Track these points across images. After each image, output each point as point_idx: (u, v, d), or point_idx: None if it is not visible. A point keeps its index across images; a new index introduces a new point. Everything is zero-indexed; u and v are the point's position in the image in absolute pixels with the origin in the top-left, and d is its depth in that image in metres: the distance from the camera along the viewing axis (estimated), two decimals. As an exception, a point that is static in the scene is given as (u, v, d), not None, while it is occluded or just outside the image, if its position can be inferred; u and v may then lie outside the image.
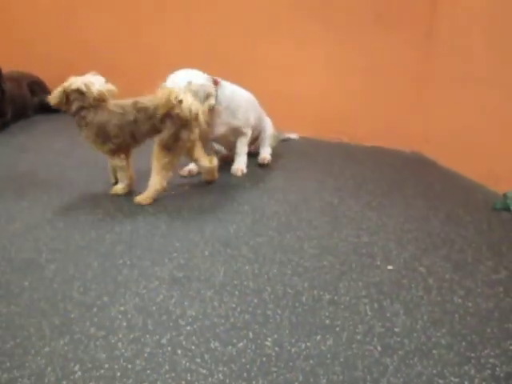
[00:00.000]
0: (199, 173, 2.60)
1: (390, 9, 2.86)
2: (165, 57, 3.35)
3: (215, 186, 2.47)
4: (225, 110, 2.57)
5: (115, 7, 3.71)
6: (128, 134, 2.25)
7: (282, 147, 3.09)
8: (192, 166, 2.64)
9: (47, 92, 3.96)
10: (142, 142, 2.32)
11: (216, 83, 2.51)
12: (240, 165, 2.72)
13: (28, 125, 3.59)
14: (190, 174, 2.63)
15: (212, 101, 2.43)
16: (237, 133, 2.69)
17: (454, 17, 2.64)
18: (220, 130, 2.62)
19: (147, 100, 2.21)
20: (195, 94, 2.29)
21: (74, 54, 3.98)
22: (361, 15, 2.94)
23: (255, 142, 2.94)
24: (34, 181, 2.48)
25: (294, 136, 3.27)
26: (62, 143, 3.16)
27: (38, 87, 3.91)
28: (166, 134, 2.18)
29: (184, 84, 2.31)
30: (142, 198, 2.24)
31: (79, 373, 1.25)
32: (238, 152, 2.74)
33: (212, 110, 2.46)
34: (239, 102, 2.62)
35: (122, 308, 1.51)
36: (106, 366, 1.27)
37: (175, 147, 2.20)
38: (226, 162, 2.82)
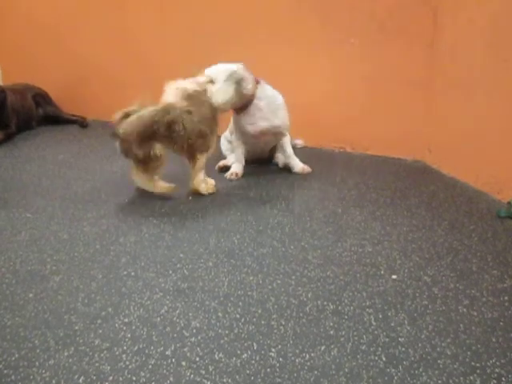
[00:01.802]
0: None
1: (393, 17, 2.87)
2: (166, 65, 3.37)
3: (218, 196, 2.47)
4: (266, 107, 2.66)
5: (116, 19, 3.74)
6: None
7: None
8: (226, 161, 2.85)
9: (51, 104, 4.01)
10: None
11: (257, 82, 2.65)
12: (301, 164, 2.82)
13: (32, 136, 3.62)
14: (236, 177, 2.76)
15: (248, 85, 2.57)
16: (277, 133, 2.74)
17: (456, 25, 2.65)
18: (262, 124, 2.68)
19: None
20: (230, 79, 2.48)
21: (76, 67, 4.02)
22: (364, 23, 2.95)
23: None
24: (38, 192, 2.50)
25: (299, 142, 3.27)
26: (65, 154, 3.18)
27: (42, 99, 3.95)
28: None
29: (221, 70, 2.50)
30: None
31: (84, 385, 1.25)
32: (288, 154, 2.82)
33: (249, 105, 2.62)
34: (280, 102, 2.73)
35: (126, 319, 1.51)
36: (111, 378, 1.28)
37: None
38: (222, 170, 2.83)
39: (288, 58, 3.20)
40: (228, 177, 2.73)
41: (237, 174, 2.75)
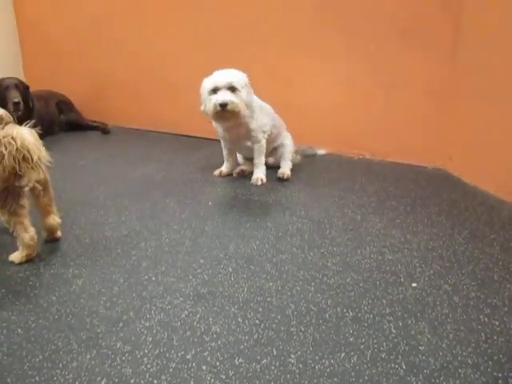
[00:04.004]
0: (251, 173, 2.84)
1: (413, 25, 2.87)
2: (177, 69, 3.41)
3: (238, 203, 2.49)
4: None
5: (136, 34, 3.80)
6: None
7: (304, 163, 3.10)
8: (243, 166, 2.91)
9: (74, 110, 4.08)
10: None
11: None
12: (259, 174, 2.79)
13: (55, 141, 3.68)
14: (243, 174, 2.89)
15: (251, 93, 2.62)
16: (251, 137, 2.74)
17: (477, 34, 2.64)
18: (238, 129, 2.71)
19: None
20: (247, 86, 2.56)
21: (98, 76, 4.10)
22: (384, 30, 2.95)
23: (273, 154, 2.97)
24: (60, 196, 2.52)
25: (321, 152, 3.28)
26: (87, 160, 3.23)
27: (65, 106, 4.03)
28: None
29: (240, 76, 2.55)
30: None
31: (106, 387, 1.27)
32: (255, 162, 2.82)
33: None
34: (256, 105, 2.72)
35: (147, 323, 1.53)
36: (132, 381, 1.29)
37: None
38: (244, 176, 2.86)
39: (308, 64, 3.22)
40: (214, 173, 2.90)
41: (221, 172, 2.91)
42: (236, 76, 2.54)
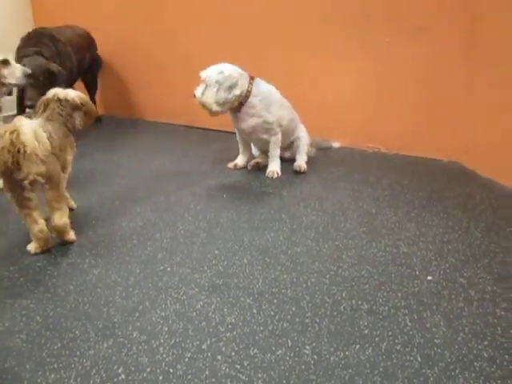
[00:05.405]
0: (265, 166, 2.83)
1: (430, 18, 2.84)
2: (200, 66, 3.42)
3: (252, 195, 2.49)
4: (259, 103, 2.67)
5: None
6: None
7: (319, 156, 3.09)
8: (258, 159, 2.92)
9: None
10: None
11: (252, 79, 2.66)
12: (274, 167, 2.79)
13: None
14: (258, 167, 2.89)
15: (236, 92, 2.58)
16: (268, 130, 2.74)
17: (495, 26, 2.60)
18: (252, 122, 2.70)
19: None
20: (221, 83, 2.54)
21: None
22: (400, 23, 2.92)
23: (290, 148, 2.97)
24: (75, 188, 2.53)
25: (336, 144, 3.27)
26: (102, 151, 3.27)
27: None
28: None
29: (216, 72, 2.55)
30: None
31: (123, 375, 1.29)
32: (270, 155, 2.82)
33: (244, 102, 2.64)
34: (274, 98, 2.74)
35: (162, 313, 1.54)
36: (148, 369, 1.31)
37: None
38: (259, 169, 2.86)
39: (324, 60, 3.20)
40: (229, 165, 2.91)
41: (236, 165, 2.90)
42: (212, 72, 2.56)
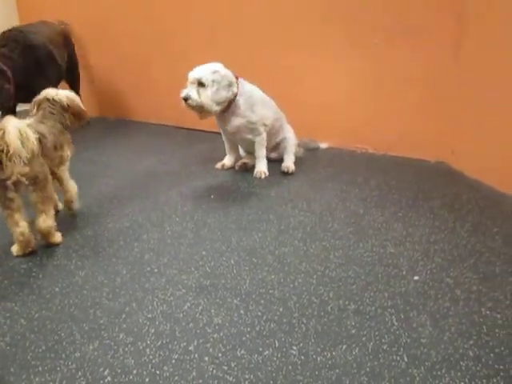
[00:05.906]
0: (253, 166, 2.83)
1: (417, 19, 2.85)
2: (180, 63, 3.40)
3: (240, 196, 2.49)
4: (244, 103, 2.66)
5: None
6: None
7: (307, 156, 3.10)
8: (245, 160, 2.92)
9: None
10: None
11: (236, 78, 2.65)
12: (261, 168, 2.79)
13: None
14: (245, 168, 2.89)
15: (235, 89, 2.59)
16: (252, 130, 2.73)
17: (480, 29, 2.62)
18: (236, 122, 2.69)
19: None
20: (218, 82, 2.51)
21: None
22: (388, 25, 2.93)
23: (277, 148, 2.97)
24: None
25: (323, 145, 3.28)
26: (90, 151, 3.23)
27: None
28: None
29: (210, 72, 2.52)
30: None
31: (109, 378, 1.28)
32: (257, 155, 2.82)
33: (232, 102, 2.63)
34: (257, 98, 2.73)
35: (149, 315, 1.53)
36: (135, 371, 1.30)
37: None
38: (246, 169, 2.86)
39: (311, 58, 3.20)
40: (216, 166, 2.92)
41: (223, 165, 2.92)
42: (206, 72, 2.52)
